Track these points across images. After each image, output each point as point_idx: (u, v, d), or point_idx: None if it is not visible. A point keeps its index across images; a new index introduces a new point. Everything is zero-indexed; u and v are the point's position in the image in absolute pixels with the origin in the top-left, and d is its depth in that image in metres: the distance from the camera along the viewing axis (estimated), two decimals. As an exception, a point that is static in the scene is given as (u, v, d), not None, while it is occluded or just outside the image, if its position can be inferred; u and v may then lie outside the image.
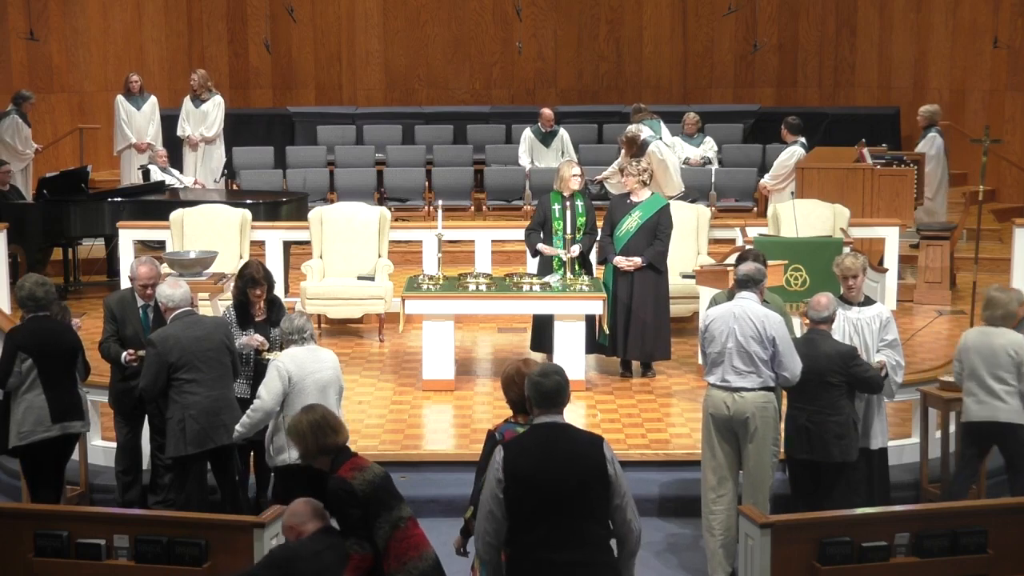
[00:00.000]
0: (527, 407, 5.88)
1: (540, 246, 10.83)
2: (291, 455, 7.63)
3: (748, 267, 7.91)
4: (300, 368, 7.62)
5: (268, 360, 8.17)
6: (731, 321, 7.67)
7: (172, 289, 7.93)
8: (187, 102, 16.04)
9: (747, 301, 7.75)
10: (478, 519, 5.69)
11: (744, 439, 7.72)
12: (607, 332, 10.71)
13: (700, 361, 8.01)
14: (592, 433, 5.88)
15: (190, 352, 7.71)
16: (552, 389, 5.69)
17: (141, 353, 8.16)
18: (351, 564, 5.94)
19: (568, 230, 10.72)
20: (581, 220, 10.78)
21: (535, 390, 5.70)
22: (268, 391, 7.58)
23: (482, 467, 6.25)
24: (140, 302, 8.38)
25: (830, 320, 7.93)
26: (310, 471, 7.71)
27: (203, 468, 7.95)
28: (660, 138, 14.68)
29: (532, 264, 12.24)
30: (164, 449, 8.31)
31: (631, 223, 10.59)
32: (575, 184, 10.79)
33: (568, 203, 10.81)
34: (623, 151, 14.13)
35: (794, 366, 7.67)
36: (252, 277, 8.26)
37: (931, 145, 14.67)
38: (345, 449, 6.18)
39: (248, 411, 7.70)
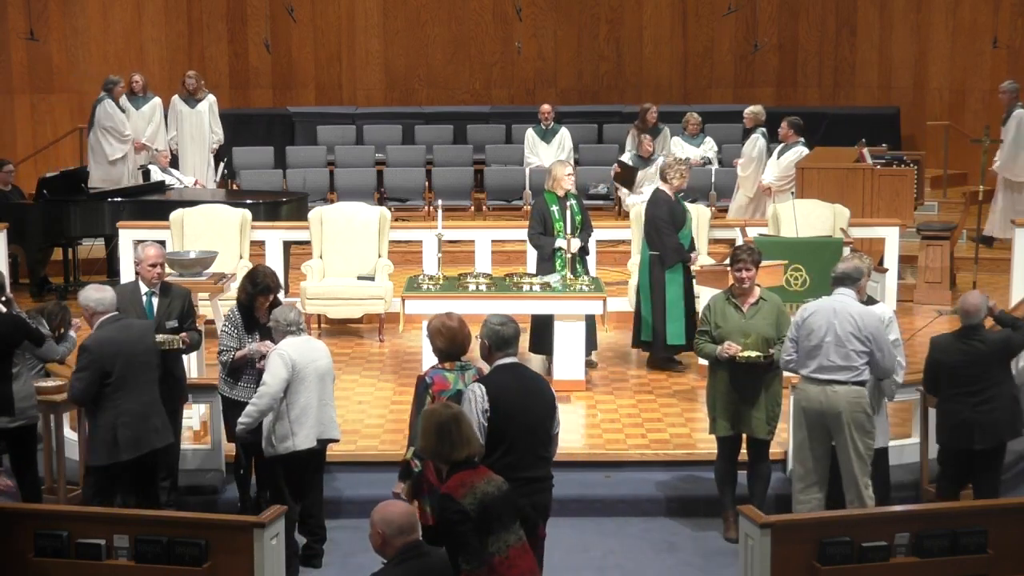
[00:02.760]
0: (483, 352, 6.70)
1: (559, 241, 10.79)
2: (295, 443, 7.67)
3: (847, 265, 8.06)
4: (302, 356, 7.72)
5: None
6: (831, 316, 7.79)
7: (100, 293, 7.80)
8: (179, 103, 15.94)
9: (845, 297, 7.89)
10: None
11: (836, 432, 7.83)
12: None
13: (788, 356, 8.00)
14: (536, 372, 6.95)
15: (124, 356, 7.62)
16: (512, 335, 6.67)
17: None
18: None
19: (568, 229, 10.74)
20: (578, 219, 10.79)
21: (497, 336, 6.63)
22: (273, 377, 7.64)
23: (416, 410, 6.83)
24: (145, 289, 8.38)
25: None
26: (314, 459, 7.76)
27: (133, 474, 7.84)
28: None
29: (532, 264, 12.26)
30: (166, 449, 8.30)
31: (689, 223, 11.02)
32: (568, 184, 10.84)
33: (564, 203, 10.83)
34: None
35: (891, 362, 7.85)
36: (267, 286, 8.25)
37: (753, 147, 14.67)
38: (464, 465, 5.86)
39: (252, 399, 7.73)
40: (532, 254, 12.38)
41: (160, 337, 8.18)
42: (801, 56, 18.96)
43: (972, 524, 7.07)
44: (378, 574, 5.58)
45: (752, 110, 14.99)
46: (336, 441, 8.11)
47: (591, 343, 10.99)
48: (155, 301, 8.37)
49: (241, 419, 7.79)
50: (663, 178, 10.99)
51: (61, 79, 17.64)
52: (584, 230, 10.90)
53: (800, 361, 7.92)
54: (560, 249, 10.73)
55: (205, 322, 10.84)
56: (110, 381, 7.59)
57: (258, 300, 8.25)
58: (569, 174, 10.88)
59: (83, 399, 7.69)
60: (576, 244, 10.69)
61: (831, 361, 7.78)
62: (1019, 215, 13.43)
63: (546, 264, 10.86)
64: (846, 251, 10.29)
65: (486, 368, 6.87)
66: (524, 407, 6.49)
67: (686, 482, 9.03)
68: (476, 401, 6.45)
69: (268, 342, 8.18)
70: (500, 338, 6.64)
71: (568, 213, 10.69)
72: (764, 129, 14.79)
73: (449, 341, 6.92)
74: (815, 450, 7.93)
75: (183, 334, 8.30)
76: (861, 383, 7.81)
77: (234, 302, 8.50)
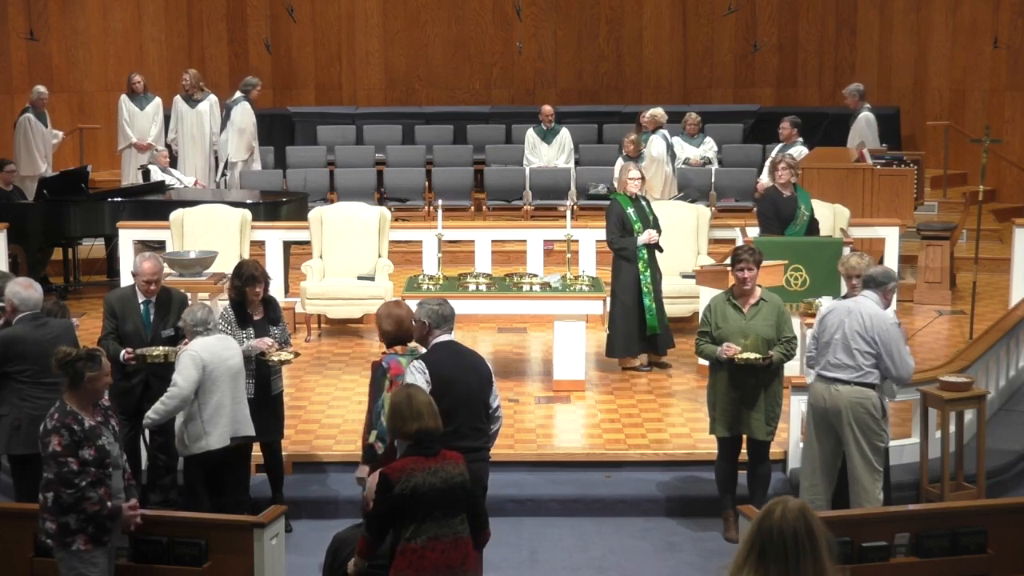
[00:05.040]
0: (422, 332, 7.02)
1: (645, 237, 10.78)
2: (209, 442, 7.68)
3: (876, 269, 8.10)
4: (213, 356, 7.69)
5: (273, 362, 8.19)
6: (844, 315, 7.85)
7: (26, 291, 7.78)
8: (180, 103, 15.96)
9: (865, 299, 7.92)
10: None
11: (840, 431, 7.85)
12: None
13: (809, 352, 8.14)
14: (470, 348, 7.27)
15: (33, 353, 7.60)
16: (449, 313, 7.05)
17: (141, 351, 8.16)
18: (357, 545, 6.03)
19: (645, 225, 10.87)
20: (651, 218, 10.94)
21: (437, 315, 6.99)
22: (184, 379, 7.61)
23: (374, 394, 7.15)
24: (142, 298, 8.38)
25: None
26: (225, 458, 7.79)
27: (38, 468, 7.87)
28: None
29: (533, 264, 12.26)
30: (164, 449, 8.32)
31: (802, 217, 11.09)
32: (633, 187, 10.90)
33: (636, 205, 10.92)
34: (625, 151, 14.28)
35: (901, 367, 7.81)
36: (252, 275, 8.22)
37: (655, 147, 14.70)
38: (423, 441, 5.93)
39: (162, 399, 7.69)
40: (533, 254, 12.42)
41: (159, 350, 8.14)
42: (801, 56, 18.96)
43: (972, 524, 7.07)
44: (345, 531, 6.38)
45: (651, 112, 14.98)
46: (252, 438, 8.06)
47: (667, 341, 11.04)
48: (151, 309, 8.37)
49: (149, 414, 7.76)
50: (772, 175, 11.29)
51: (61, 79, 17.63)
52: (656, 228, 10.96)
53: (817, 358, 7.99)
54: (644, 246, 10.79)
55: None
56: (20, 377, 7.61)
57: (247, 293, 8.23)
58: (632, 178, 10.92)
59: None
60: (656, 236, 10.83)
61: (837, 359, 7.80)
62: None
63: (630, 265, 10.80)
64: (846, 251, 10.29)
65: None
66: (461, 379, 6.81)
67: (686, 482, 9.03)
68: (416, 378, 6.76)
69: (267, 339, 8.18)
70: (440, 316, 6.99)
71: (641, 214, 10.84)
72: (665, 131, 14.80)
73: (397, 327, 7.28)
74: (822, 448, 7.94)
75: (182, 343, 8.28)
76: (866, 384, 7.79)
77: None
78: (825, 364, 7.85)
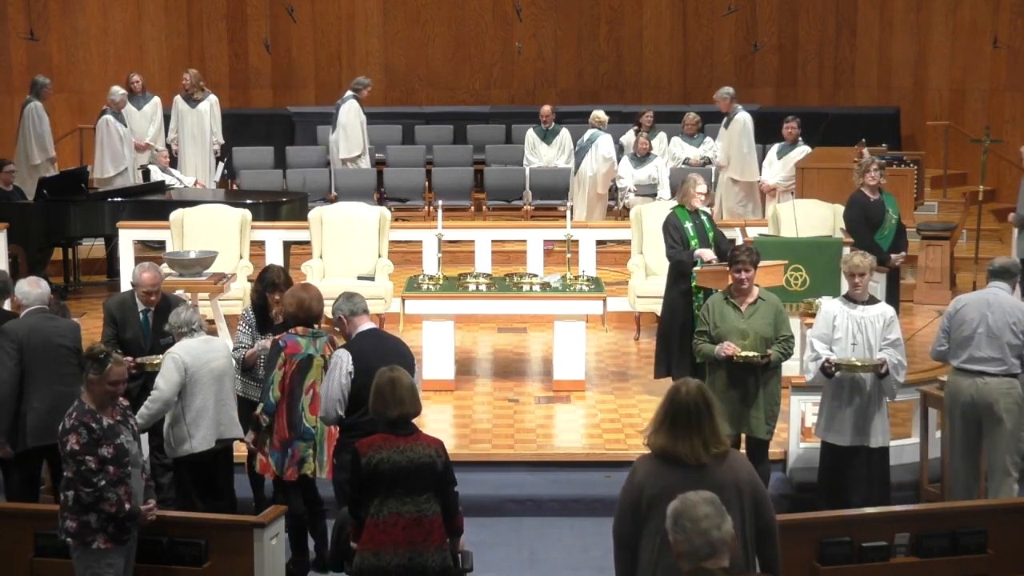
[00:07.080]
0: (344, 328, 7.32)
1: (700, 252, 9.88)
2: (192, 445, 7.70)
3: (1004, 259, 8.21)
4: (195, 359, 7.69)
5: None
6: (984, 308, 7.94)
7: (30, 287, 7.91)
8: (180, 102, 15.93)
9: (1000, 291, 8.02)
10: (328, 404, 7.08)
11: (988, 424, 7.95)
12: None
13: (940, 347, 8.18)
14: (393, 335, 7.65)
15: (36, 345, 7.68)
16: (359, 301, 7.35)
17: (141, 361, 8.16)
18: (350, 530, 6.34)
19: (701, 245, 10.06)
20: (711, 235, 10.13)
21: (353, 305, 7.30)
22: (166, 382, 7.63)
23: (267, 370, 7.61)
24: (141, 306, 8.37)
25: None
26: (214, 460, 7.84)
27: (37, 465, 7.92)
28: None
29: (533, 264, 12.25)
30: (163, 449, 8.33)
31: (891, 221, 11.05)
32: (698, 202, 10.14)
33: (696, 219, 10.18)
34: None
35: None
36: (273, 282, 8.26)
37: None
38: (396, 423, 6.16)
39: (146, 403, 7.70)
40: (533, 254, 12.42)
41: (159, 359, 8.05)
42: (801, 56, 18.95)
43: (972, 524, 7.08)
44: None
45: (595, 115, 15.00)
46: (239, 439, 8.03)
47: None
48: (151, 316, 8.37)
49: (135, 418, 7.78)
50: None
51: (61, 79, 17.61)
52: (720, 244, 10.11)
53: (952, 351, 8.06)
54: (699, 261, 9.89)
55: (206, 321, 10.84)
56: (25, 370, 7.66)
57: (268, 298, 8.24)
58: (700, 192, 10.07)
59: (5, 388, 7.67)
60: (710, 255, 9.89)
61: (983, 353, 7.93)
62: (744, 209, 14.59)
63: (684, 281, 9.99)
64: (846, 251, 10.29)
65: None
66: (384, 365, 6.88)
67: (686, 482, 9.01)
68: (341, 365, 7.06)
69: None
70: (356, 305, 7.30)
71: (700, 230, 10.08)
72: (598, 131, 14.84)
73: (298, 307, 7.61)
74: (966, 438, 8.07)
75: None
76: (1013, 375, 7.93)
77: (236, 302, 8.50)
78: (968, 358, 7.97)
